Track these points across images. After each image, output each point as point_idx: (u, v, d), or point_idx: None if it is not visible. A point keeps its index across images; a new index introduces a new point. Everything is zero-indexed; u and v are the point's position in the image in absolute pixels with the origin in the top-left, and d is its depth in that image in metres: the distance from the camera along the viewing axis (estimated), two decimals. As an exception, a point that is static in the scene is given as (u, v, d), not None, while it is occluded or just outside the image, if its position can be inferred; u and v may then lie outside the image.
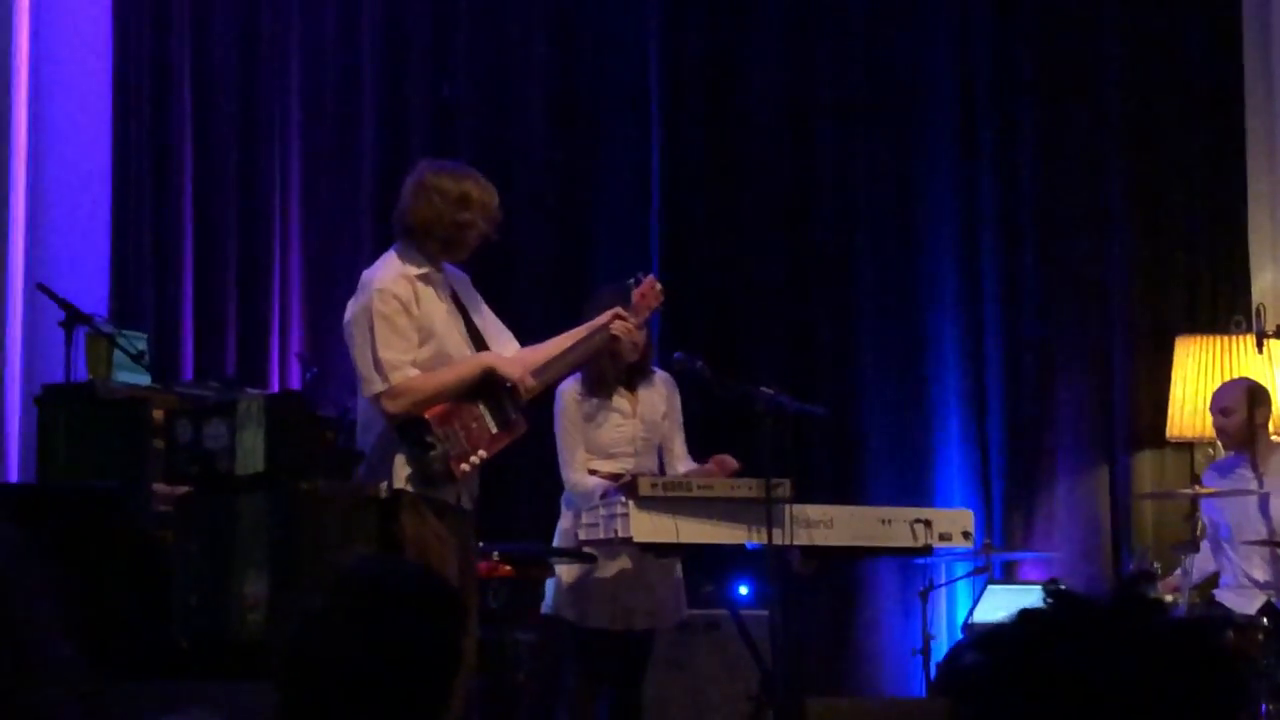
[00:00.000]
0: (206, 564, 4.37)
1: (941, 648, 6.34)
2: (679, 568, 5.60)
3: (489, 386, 4.67)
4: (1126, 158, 7.19)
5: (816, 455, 6.81)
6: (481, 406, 4.66)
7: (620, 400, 5.52)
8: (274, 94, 7.03)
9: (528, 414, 5.07)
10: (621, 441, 5.50)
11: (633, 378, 5.54)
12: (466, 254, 4.75)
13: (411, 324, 4.60)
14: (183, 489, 4.59)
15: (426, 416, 4.55)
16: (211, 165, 6.97)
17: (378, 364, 4.55)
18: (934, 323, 7.17)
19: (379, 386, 4.55)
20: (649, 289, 5.14)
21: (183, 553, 4.44)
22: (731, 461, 5.39)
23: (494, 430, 4.67)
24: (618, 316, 5.01)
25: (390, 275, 4.63)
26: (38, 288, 5.71)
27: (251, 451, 4.44)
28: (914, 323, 7.18)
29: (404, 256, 4.68)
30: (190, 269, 6.87)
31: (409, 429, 4.56)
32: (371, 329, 4.57)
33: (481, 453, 4.63)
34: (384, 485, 4.57)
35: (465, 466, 4.58)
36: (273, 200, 6.96)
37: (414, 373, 4.58)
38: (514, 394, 4.71)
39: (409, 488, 4.56)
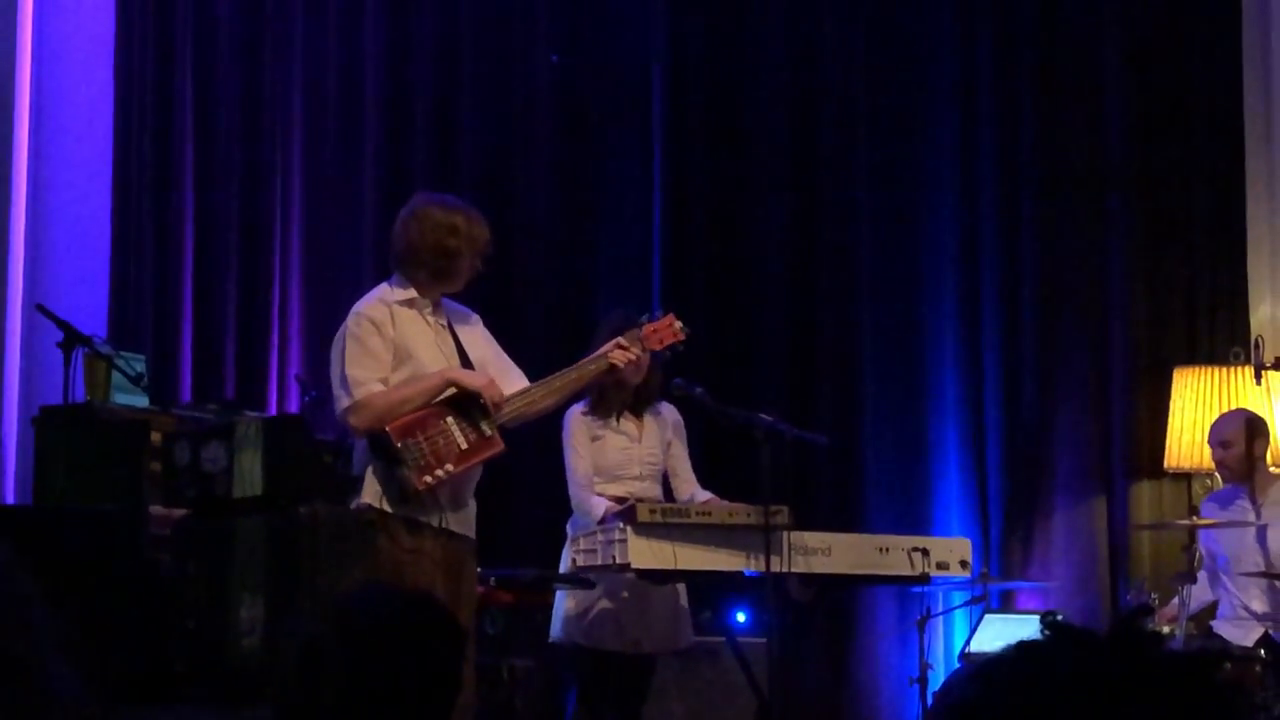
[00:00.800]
0: (204, 587, 4.37)
1: (938, 677, 6.33)
2: (683, 594, 5.61)
3: (462, 403, 4.69)
4: (1126, 190, 7.20)
5: (815, 483, 6.81)
6: (449, 420, 4.66)
7: (627, 424, 5.55)
8: (277, 116, 7.05)
9: (532, 439, 5.08)
10: (627, 464, 5.52)
11: (639, 405, 5.56)
12: (458, 285, 4.79)
13: (384, 345, 4.66)
14: (180, 512, 4.60)
15: (387, 429, 4.57)
16: (212, 188, 6.99)
17: (344, 381, 4.62)
18: (934, 352, 7.17)
19: (345, 402, 4.62)
20: (665, 325, 5.16)
21: (180, 576, 4.44)
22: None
23: (463, 446, 4.66)
24: (618, 346, 5.03)
25: (369, 300, 4.74)
26: (37, 308, 5.72)
27: (249, 475, 4.44)
28: (914, 351, 7.18)
29: (393, 284, 4.78)
30: (190, 291, 6.88)
31: (377, 445, 4.60)
32: (344, 350, 4.66)
33: (449, 467, 4.61)
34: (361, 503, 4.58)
35: (429, 479, 4.57)
36: (273, 222, 6.98)
37: (379, 389, 4.62)
38: (488, 412, 4.72)
39: (382, 505, 4.58)
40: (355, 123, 7.10)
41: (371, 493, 4.59)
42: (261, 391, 6.81)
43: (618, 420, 5.54)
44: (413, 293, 4.73)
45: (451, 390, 4.69)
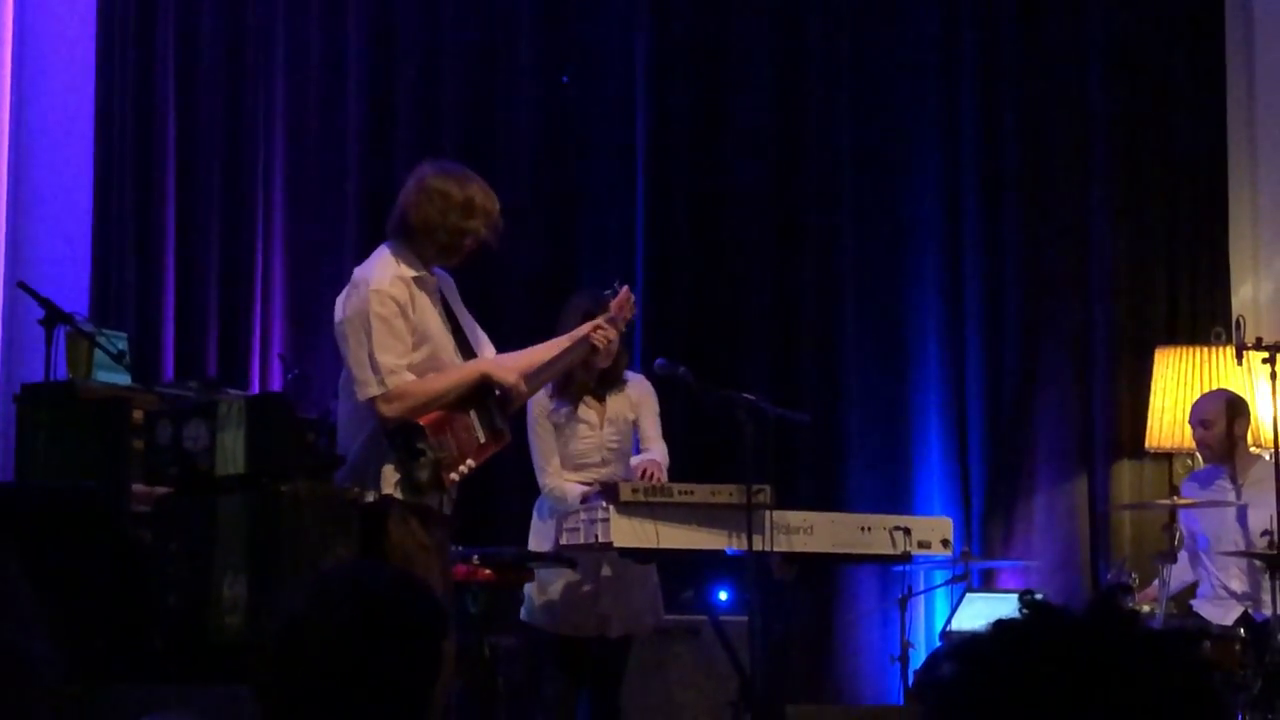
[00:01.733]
0: (185, 565, 4.36)
1: (919, 655, 6.35)
2: (655, 573, 5.61)
3: (479, 394, 4.66)
4: (1108, 171, 7.21)
5: (797, 462, 6.82)
6: (472, 415, 4.63)
7: (587, 410, 5.51)
8: (259, 93, 7.02)
9: (516, 425, 5.06)
10: (589, 452, 5.50)
11: (602, 386, 5.53)
12: (461, 259, 4.72)
13: (408, 327, 4.55)
14: (162, 490, 4.58)
15: (423, 424, 4.50)
16: (194, 164, 6.96)
17: (375, 367, 4.49)
18: (917, 332, 7.18)
19: (375, 390, 4.49)
20: (624, 299, 5.13)
21: (162, 554, 4.43)
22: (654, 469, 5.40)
23: (481, 440, 4.64)
24: (598, 327, 5.00)
25: (387, 276, 4.56)
26: (18, 285, 5.69)
27: (232, 453, 4.43)
28: (897, 332, 7.19)
29: (399, 256, 4.61)
30: (172, 268, 6.85)
31: (400, 436, 4.51)
32: (369, 331, 4.50)
33: (470, 462, 4.59)
34: (370, 492, 4.54)
35: (454, 476, 4.55)
36: (256, 200, 6.95)
37: (410, 377, 4.52)
38: (502, 403, 4.69)
39: (398, 494, 4.53)
40: (338, 101, 7.08)
41: (390, 482, 4.51)
42: (244, 370, 6.80)
43: (581, 405, 5.51)
44: (422, 269, 4.61)
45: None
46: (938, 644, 6.56)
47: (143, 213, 6.90)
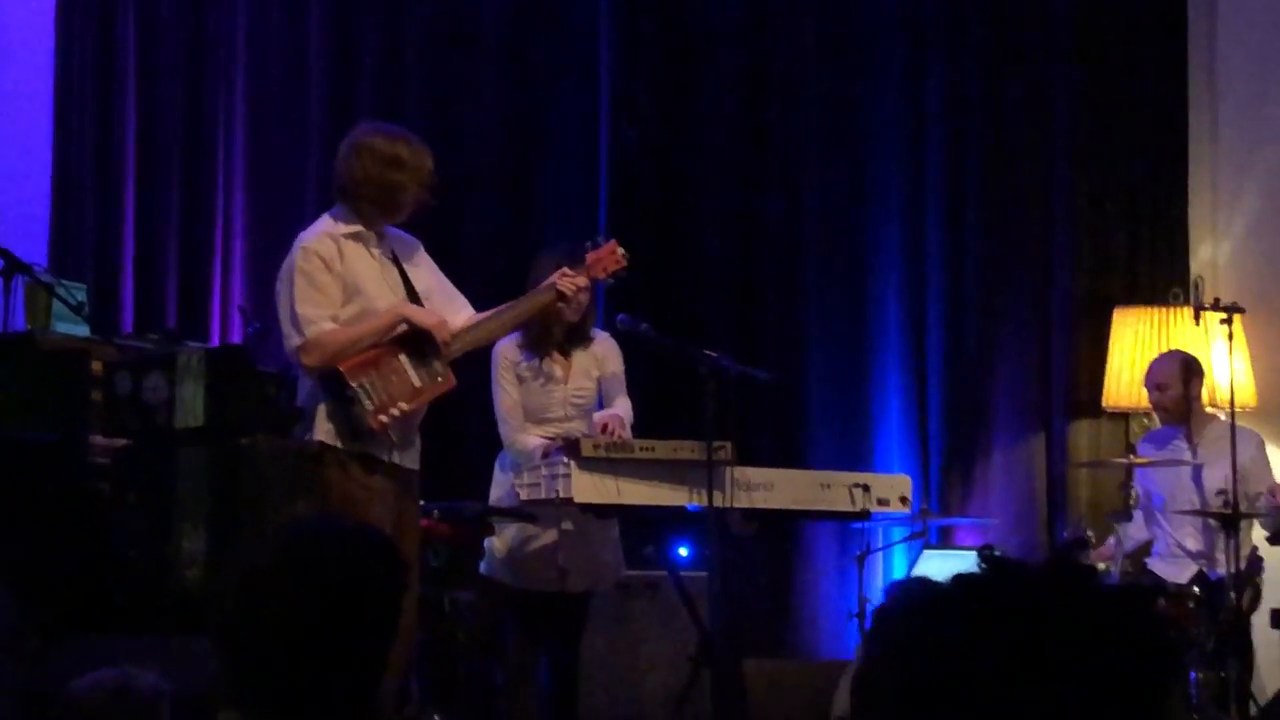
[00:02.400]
0: (145, 518, 4.36)
1: (877, 611, 6.38)
2: (616, 528, 5.62)
3: (414, 340, 4.68)
4: (1070, 131, 7.23)
5: (758, 419, 6.83)
6: (403, 358, 4.66)
7: (552, 365, 5.52)
8: (220, 45, 6.96)
9: (470, 373, 5.07)
10: (553, 406, 5.50)
11: (570, 341, 5.54)
12: (402, 216, 4.76)
13: (334, 280, 4.63)
14: (121, 442, 4.57)
15: (341, 368, 4.55)
16: (155, 115, 6.91)
17: (295, 318, 4.59)
18: (878, 290, 7.20)
19: (296, 340, 4.59)
20: (608, 253, 5.14)
21: (121, 506, 4.42)
22: (616, 424, 5.41)
23: (416, 384, 4.66)
24: (564, 275, 5.02)
25: (315, 234, 4.69)
26: (-24, 236, 5.64)
27: (191, 405, 4.42)
28: (858, 290, 7.20)
29: (336, 216, 4.73)
30: (131, 220, 6.81)
31: (329, 382, 4.58)
32: (292, 285, 4.62)
33: (402, 405, 4.62)
34: (310, 438, 4.57)
35: (384, 418, 4.57)
36: (216, 152, 6.90)
37: (330, 326, 4.59)
38: (439, 350, 4.72)
39: (335, 442, 4.56)
40: (300, 53, 7.02)
41: (324, 430, 4.57)
42: (204, 322, 6.76)
43: (547, 359, 5.51)
44: (358, 226, 4.70)
45: (403, 327, 4.68)
46: (886, 593, 6.59)
47: (103, 164, 6.84)
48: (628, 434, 5.42)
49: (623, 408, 5.55)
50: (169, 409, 4.44)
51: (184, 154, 6.91)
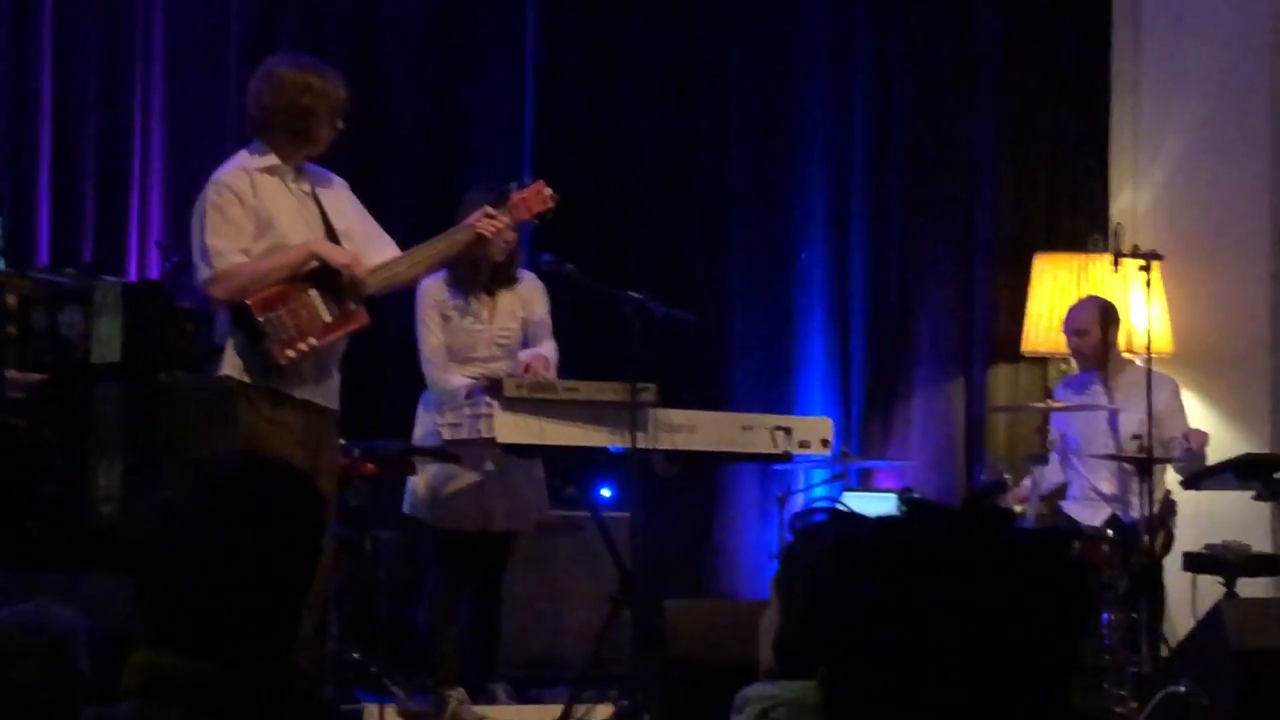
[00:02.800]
0: (61, 454, 4.31)
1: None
2: (540, 469, 5.63)
3: (326, 275, 4.64)
4: (994, 77, 7.26)
5: (682, 361, 6.84)
6: (313, 293, 4.62)
7: (477, 305, 5.50)
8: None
9: (394, 311, 5.04)
10: (476, 345, 5.49)
11: (495, 282, 5.52)
12: (318, 147, 4.72)
13: (245, 214, 4.60)
14: (37, 376, 4.51)
15: (248, 302, 4.53)
16: (72, 47, 6.77)
17: (204, 251, 4.57)
18: (801, 233, 7.22)
19: (205, 273, 4.57)
20: (535, 193, 5.11)
21: (37, 442, 4.37)
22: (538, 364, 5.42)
23: (326, 319, 4.63)
24: (486, 215, 4.99)
25: (229, 168, 4.66)
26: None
27: (108, 341, 4.37)
28: (782, 235, 7.22)
29: (253, 150, 4.70)
30: (48, 154, 6.68)
31: (239, 316, 4.56)
32: (204, 219, 4.59)
33: (311, 340, 4.59)
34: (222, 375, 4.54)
35: (291, 353, 4.54)
36: (134, 83, 6.79)
37: (240, 260, 4.56)
38: (352, 285, 4.69)
39: (244, 377, 4.55)
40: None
41: (233, 364, 4.55)
42: (121, 256, 6.67)
43: (473, 298, 5.49)
44: (274, 159, 4.66)
45: (315, 263, 4.64)
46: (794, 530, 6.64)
47: (17, 95, 6.71)
48: (552, 375, 5.41)
49: (548, 349, 5.55)
50: (85, 344, 4.39)
51: (101, 89, 6.79)
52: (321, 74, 4.70)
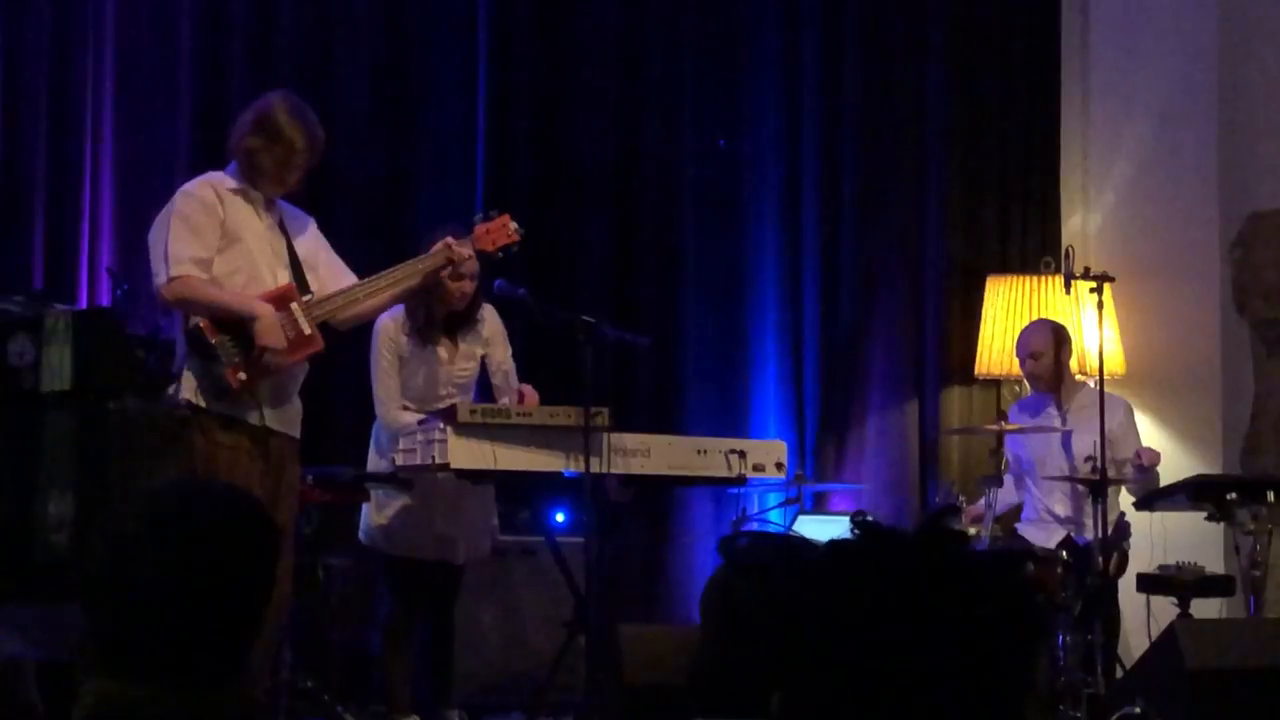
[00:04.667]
0: (10, 483, 4.26)
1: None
2: (493, 494, 5.61)
3: (284, 299, 4.67)
4: (944, 102, 7.30)
5: (636, 385, 6.84)
6: None
7: (436, 348, 5.48)
8: (88, 5, 6.79)
9: (349, 337, 5.02)
10: (435, 386, 5.47)
11: (455, 327, 5.50)
12: (277, 186, 4.76)
13: (211, 225, 4.63)
14: (-15, 405, 4.46)
15: (200, 324, 4.55)
16: (20, 69, 6.73)
17: (166, 255, 4.60)
18: (754, 258, 7.23)
19: (161, 277, 4.60)
20: (499, 226, 5.12)
21: (-15, 471, 4.32)
22: (532, 395, 5.41)
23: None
24: (447, 245, 5.00)
25: (197, 181, 4.74)
26: None
27: (58, 368, 4.32)
28: (735, 257, 7.23)
29: (227, 171, 4.77)
30: (-4, 178, 6.64)
31: (193, 340, 4.57)
32: (168, 226, 4.62)
33: None
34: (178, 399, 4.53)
35: (242, 376, 4.53)
36: (84, 108, 6.74)
37: (199, 273, 4.59)
38: (308, 307, 4.69)
39: (199, 402, 4.54)
40: (170, 6, 6.87)
41: (189, 388, 4.54)
42: (71, 283, 6.62)
43: (426, 344, 5.46)
44: (246, 185, 4.73)
45: (275, 287, 4.65)
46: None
47: (-35, 120, 6.66)
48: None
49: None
50: (35, 372, 4.34)
51: (50, 112, 6.74)
52: (295, 121, 4.73)
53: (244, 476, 4.44)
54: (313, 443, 5.42)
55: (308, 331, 4.67)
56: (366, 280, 4.90)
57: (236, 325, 4.58)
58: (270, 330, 4.60)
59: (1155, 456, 6.24)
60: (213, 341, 4.54)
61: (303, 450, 4.92)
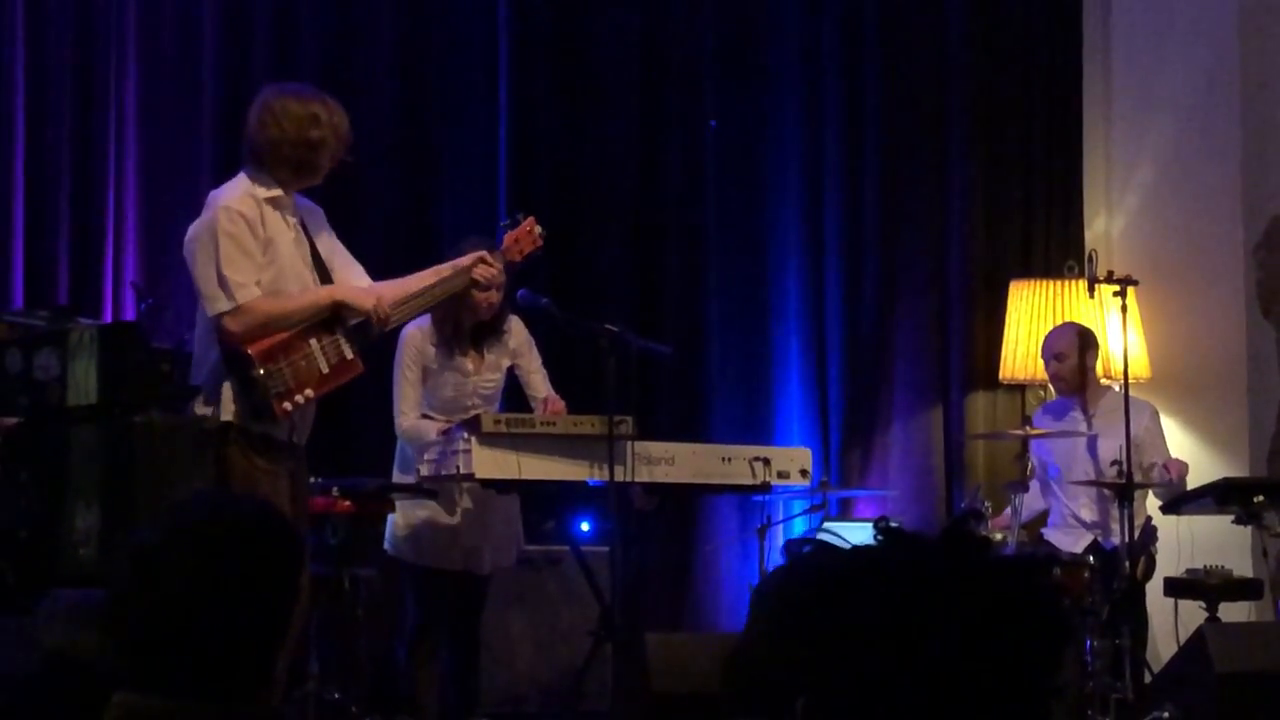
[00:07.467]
0: (37, 497, 4.28)
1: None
2: (518, 504, 5.61)
3: (328, 323, 4.59)
4: (966, 105, 7.29)
5: (659, 393, 6.84)
6: (314, 343, 4.55)
7: (463, 359, 5.48)
8: (111, 11, 6.82)
9: (373, 355, 5.01)
10: (462, 398, 5.47)
11: (481, 338, 5.49)
12: (318, 178, 4.64)
13: (257, 245, 4.50)
14: (12, 420, 4.49)
15: (250, 352, 4.44)
16: (45, 85, 6.76)
17: (223, 282, 4.44)
18: (777, 264, 7.23)
19: (224, 305, 4.45)
20: (525, 232, 5.09)
21: (12, 485, 4.34)
22: (557, 404, 5.41)
23: (324, 370, 4.57)
24: (482, 260, 4.94)
25: (237, 194, 4.53)
26: None
27: (84, 383, 4.34)
28: (758, 263, 7.23)
29: (254, 179, 4.57)
30: (21, 195, 6.67)
31: (235, 362, 4.46)
32: (217, 247, 4.46)
33: (309, 391, 4.52)
34: (215, 417, 4.49)
35: (288, 405, 4.47)
36: (108, 123, 6.77)
37: (258, 294, 4.48)
38: (361, 330, 4.64)
39: (237, 420, 4.48)
40: (193, 20, 6.90)
41: (227, 409, 4.47)
42: (96, 298, 6.64)
43: (454, 355, 5.46)
44: (278, 191, 4.56)
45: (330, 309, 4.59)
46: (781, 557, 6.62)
47: (-11, 136, 6.69)
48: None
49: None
50: (61, 386, 4.36)
51: (74, 128, 6.77)
52: (326, 104, 4.60)
53: (277, 494, 4.42)
54: (338, 455, 5.43)
55: (349, 356, 4.63)
56: (416, 289, 4.81)
57: (285, 349, 4.50)
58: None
59: (1184, 469, 6.21)
60: (260, 371, 4.42)
61: (326, 460, 4.93)
